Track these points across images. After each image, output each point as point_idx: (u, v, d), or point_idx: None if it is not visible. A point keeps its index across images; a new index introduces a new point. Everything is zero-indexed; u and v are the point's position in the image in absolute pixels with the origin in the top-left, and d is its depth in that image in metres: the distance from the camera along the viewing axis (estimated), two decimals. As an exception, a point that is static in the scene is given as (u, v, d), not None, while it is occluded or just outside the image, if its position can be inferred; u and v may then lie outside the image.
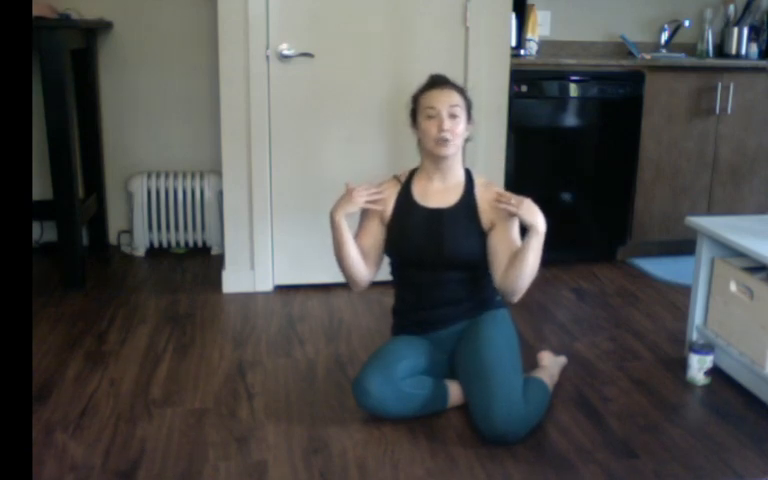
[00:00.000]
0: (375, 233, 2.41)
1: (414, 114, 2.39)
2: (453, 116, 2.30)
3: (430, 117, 2.31)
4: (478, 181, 2.41)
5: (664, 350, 2.86)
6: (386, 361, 2.26)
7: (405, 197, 2.39)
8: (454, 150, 2.33)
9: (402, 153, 3.32)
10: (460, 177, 2.40)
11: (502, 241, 2.32)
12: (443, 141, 2.29)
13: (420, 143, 2.39)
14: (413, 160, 2.51)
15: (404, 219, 2.37)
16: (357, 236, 2.43)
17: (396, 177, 2.46)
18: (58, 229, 3.30)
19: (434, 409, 2.30)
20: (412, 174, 2.44)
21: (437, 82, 2.38)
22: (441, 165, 2.36)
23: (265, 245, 3.38)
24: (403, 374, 2.26)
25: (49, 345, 2.77)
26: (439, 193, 2.38)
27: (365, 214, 2.43)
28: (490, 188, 2.40)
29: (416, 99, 2.39)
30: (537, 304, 3.28)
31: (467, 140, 2.39)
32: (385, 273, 2.48)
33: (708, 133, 3.85)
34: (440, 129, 2.29)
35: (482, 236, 2.36)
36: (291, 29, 3.19)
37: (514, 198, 2.25)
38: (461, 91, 2.37)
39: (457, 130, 2.30)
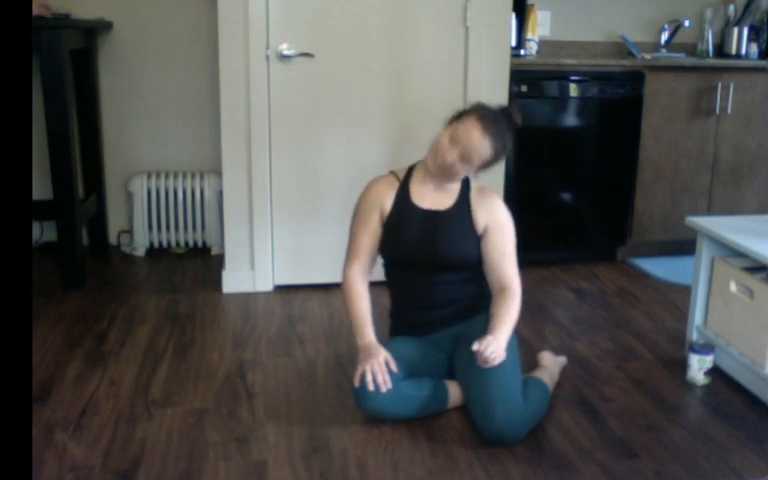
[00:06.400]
0: (374, 232, 2.40)
1: (451, 121, 2.33)
2: (467, 160, 2.27)
3: (452, 139, 2.27)
4: (474, 185, 2.41)
5: (664, 350, 2.86)
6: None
7: (402, 196, 2.39)
8: (447, 181, 2.33)
9: (402, 153, 3.33)
10: (457, 182, 2.40)
11: (492, 250, 2.35)
12: (440, 167, 2.29)
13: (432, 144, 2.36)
14: (413, 160, 2.50)
15: (400, 219, 2.37)
16: (355, 235, 2.42)
17: (393, 173, 2.45)
18: (58, 229, 3.30)
19: (434, 410, 2.30)
20: (410, 172, 2.43)
21: (485, 121, 2.25)
22: (439, 177, 2.35)
23: (265, 245, 3.38)
24: (402, 376, 2.26)
25: (49, 345, 2.77)
26: (435, 195, 2.38)
27: (365, 212, 2.41)
28: (484, 193, 2.40)
29: (461, 115, 2.31)
30: (537, 304, 3.28)
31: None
32: (378, 273, 2.48)
33: (708, 133, 3.85)
34: (445, 156, 2.26)
35: (477, 239, 2.36)
36: (291, 29, 3.19)
37: (486, 352, 2.16)
38: (496, 145, 2.27)
39: (461, 171, 2.29)
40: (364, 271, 2.42)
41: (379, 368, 2.21)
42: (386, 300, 2.53)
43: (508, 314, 2.29)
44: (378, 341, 2.32)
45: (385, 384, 2.19)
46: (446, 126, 2.33)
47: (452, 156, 2.26)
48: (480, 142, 2.25)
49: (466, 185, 2.39)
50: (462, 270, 2.38)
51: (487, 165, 2.32)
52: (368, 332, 2.33)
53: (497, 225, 2.35)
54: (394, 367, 2.23)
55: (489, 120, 2.27)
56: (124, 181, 3.91)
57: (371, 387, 2.19)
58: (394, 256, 2.41)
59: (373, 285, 2.46)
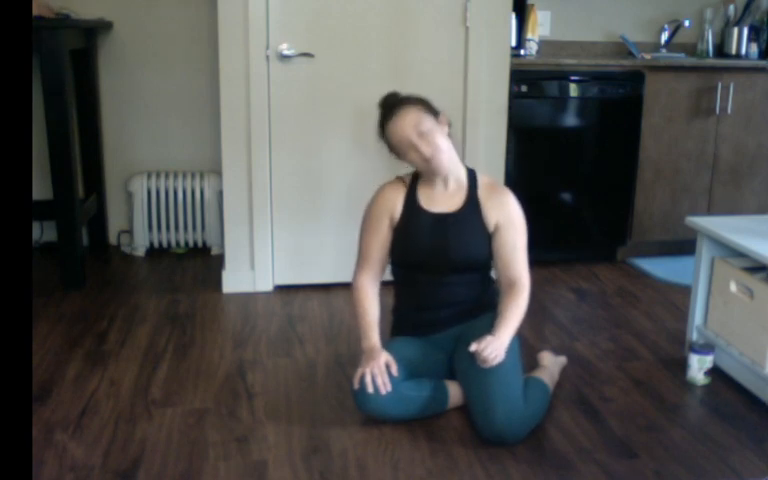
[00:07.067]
0: (385, 239, 2.40)
1: (393, 151, 2.36)
2: (424, 134, 2.26)
3: (407, 150, 2.29)
4: (481, 182, 2.40)
5: (664, 350, 2.86)
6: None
7: (411, 201, 2.38)
8: (446, 160, 2.30)
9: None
10: (462, 178, 2.39)
11: (503, 246, 2.34)
12: (431, 160, 2.27)
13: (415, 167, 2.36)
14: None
15: (410, 224, 2.37)
16: (366, 242, 2.42)
17: (400, 178, 2.44)
18: (58, 229, 3.30)
19: (434, 410, 2.30)
20: (416, 176, 2.43)
21: (389, 108, 2.31)
22: (439, 174, 2.35)
23: (265, 245, 3.38)
24: (402, 376, 2.25)
25: (49, 345, 2.77)
26: (443, 197, 2.37)
27: (375, 219, 2.40)
28: (494, 189, 2.39)
29: (384, 138, 2.35)
30: (537, 304, 3.28)
31: (450, 131, 2.36)
32: (386, 273, 2.48)
33: (708, 133, 3.85)
34: (421, 155, 2.27)
35: (487, 238, 2.35)
36: (291, 29, 3.19)
37: (485, 353, 2.17)
38: (413, 102, 2.31)
39: (436, 142, 2.27)
40: (375, 278, 2.42)
41: (379, 370, 2.20)
42: (390, 299, 2.53)
43: (514, 311, 2.29)
44: (381, 341, 2.32)
45: (384, 386, 2.19)
46: (398, 156, 2.35)
47: (422, 148, 2.25)
48: (406, 115, 2.27)
49: (473, 183, 2.39)
50: (471, 271, 2.38)
51: (431, 106, 2.34)
52: (373, 335, 2.32)
53: (509, 221, 2.35)
54: (395, 370, 2.23)
55: (388, 107, 2.32)
56: (124, 181, 3.91)
57: (370, 389, 2.19)
58: (404, 260, 2.41)
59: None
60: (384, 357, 2.24)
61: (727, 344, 2.57)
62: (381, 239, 2.40)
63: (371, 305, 2.38)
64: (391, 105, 2.33)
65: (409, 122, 2.27)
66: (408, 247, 2.37)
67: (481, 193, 2.37)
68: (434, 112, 2.34)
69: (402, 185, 2.41)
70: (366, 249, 2.41)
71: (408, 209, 2.38)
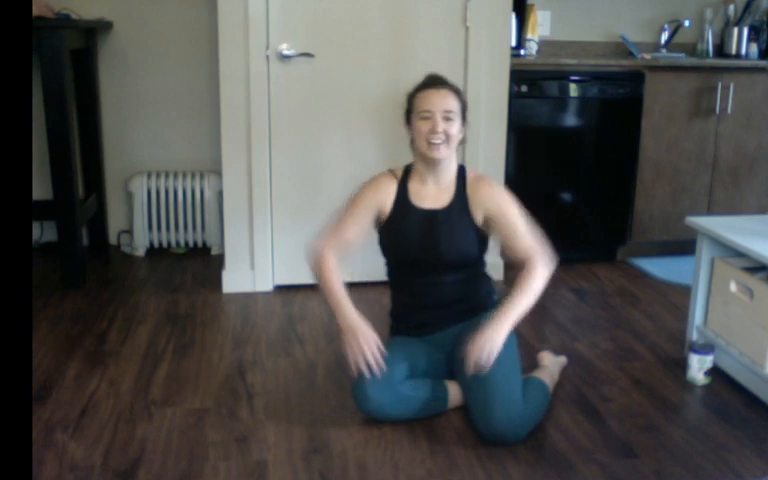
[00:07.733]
0: (365, 228, 2.38)
1: (409, 114, 2.38)
2: (447, 119, 2.29)
3: (424, 118, 2.29)
4: (470, 175, 2.40)
5: (664, 350, 2.86)
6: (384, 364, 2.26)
7: (401, 198, 2.38)
8: (447, 154, 2.31)
9: (402, 153, 3.31)
10: (453, 177, 2.39)
11: (501, 233, 2.35)
12: (436, 144, 2.28)
13: (413, 144, 2.37)
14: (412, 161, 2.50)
15: (401, 221, 2.36)
16: (345, 220, 2.38)
17: (392, 172, 2.44)
18: (58, 229, 3.30)
19: (434, 410, 2.30)
20: (407, 171, 2.43)
21: (434, 82, 2.36)
22: (434, 168, 2.34)
23: (265, 245, 3.38)
24: (402, 377, 2.25)
25: (49, 345, 2.77)
26: (433, 194, 2.37)
27: (363, 204, 2.38)
28: (478, 182, 2.38)
29: (411, 99, 2.37)
30: (537, 304, 3.25)
31: (461, 143, 2.38)
32: (384, 273, 2.48)
33: (708, 133, 3.85)
34: (433, 131, 2.27)
35: (477, 232, 2.35)
36: (291, 29, 3.20)
37: (480, 360, 2.18)
38: (457, 93, 2.35)
39: (451, 132, 2.29)
40: (338, 253, 2.37)
41: (371, 355, 2.20)
42: (386, 299, 2.53)
43: (523, 290, 2.28)
44: (380, 341, 2.31)
45: (380, 370, 2.19)
46: (410, 120, 2.38)
47: (438, 126, 2.27)
48: (445, 96, 2.31)
49: (461, 179, 2.39)
50: (464, 268, 2.38)
51: (465, 110, 2.36)
52: (349, 309, 2.28)
53: (496, 206, 2.34)
54: (382, 349, 2.22)
55: (433, 81, 2.36)
56: (124, 181, 3.91)
57: (369, 375, 2.19)
58: (397, 259, 2.41)
59: (376, 285, 2.46)
60: (371, 337, 2.22)
61: (727, 344, 2.57)
62: (362, 226, 2.38)
63: (338, 278, 2.33)
64: (439, 79, 2.37)
65: (444, 100, 2.30)
66: (400, 245, 2.37)
67: (469, 186, 2.37)
68: (465, 116, 2.37)
69: (394, 179, 2.41)
70: (343, 224, 2.37)
71: (398, 205, 2.37)
